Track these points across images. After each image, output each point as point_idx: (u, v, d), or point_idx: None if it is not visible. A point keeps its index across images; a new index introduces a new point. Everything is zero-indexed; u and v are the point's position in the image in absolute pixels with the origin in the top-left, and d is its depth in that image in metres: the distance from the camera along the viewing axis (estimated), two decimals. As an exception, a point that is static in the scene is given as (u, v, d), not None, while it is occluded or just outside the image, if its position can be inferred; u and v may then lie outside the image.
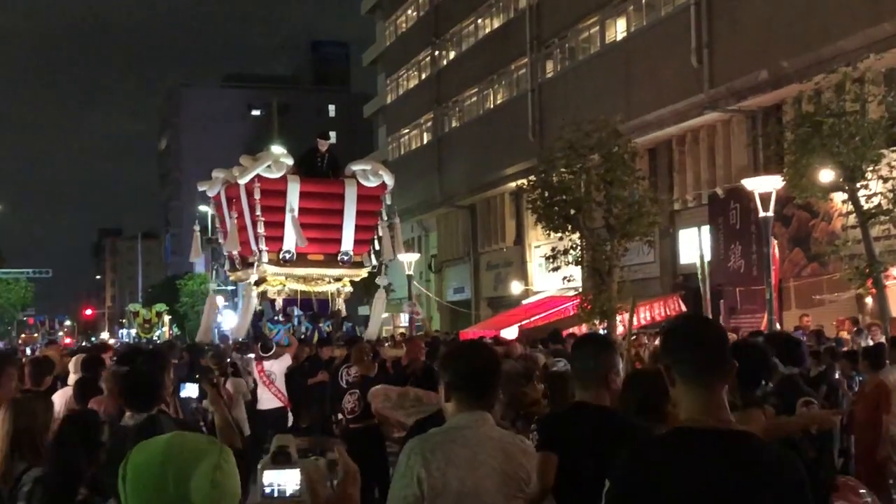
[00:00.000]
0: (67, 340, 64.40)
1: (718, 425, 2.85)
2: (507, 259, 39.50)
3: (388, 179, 22.04)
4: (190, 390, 7.78)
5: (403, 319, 35.84)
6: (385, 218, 22.26)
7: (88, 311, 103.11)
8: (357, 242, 21.71)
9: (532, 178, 24.86)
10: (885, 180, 17.65)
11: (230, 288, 69.72)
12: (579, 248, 23.68)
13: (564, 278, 25.17)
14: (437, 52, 45.92)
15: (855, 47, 20.53)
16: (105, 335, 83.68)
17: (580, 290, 25.27)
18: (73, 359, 9.47)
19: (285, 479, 2.27)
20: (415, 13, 49.30)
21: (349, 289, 22.22)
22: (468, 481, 3.50)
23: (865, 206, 17.68)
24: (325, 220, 21.38)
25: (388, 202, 22.30)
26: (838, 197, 19.38)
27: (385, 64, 54.43)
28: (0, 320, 66.82)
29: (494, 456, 3.60)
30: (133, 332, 61.80)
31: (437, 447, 3.56)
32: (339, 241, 21.51)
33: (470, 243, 42.96)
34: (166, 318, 57.92)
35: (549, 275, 27.56)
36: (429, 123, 46.81)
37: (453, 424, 3.65)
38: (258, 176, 20.48)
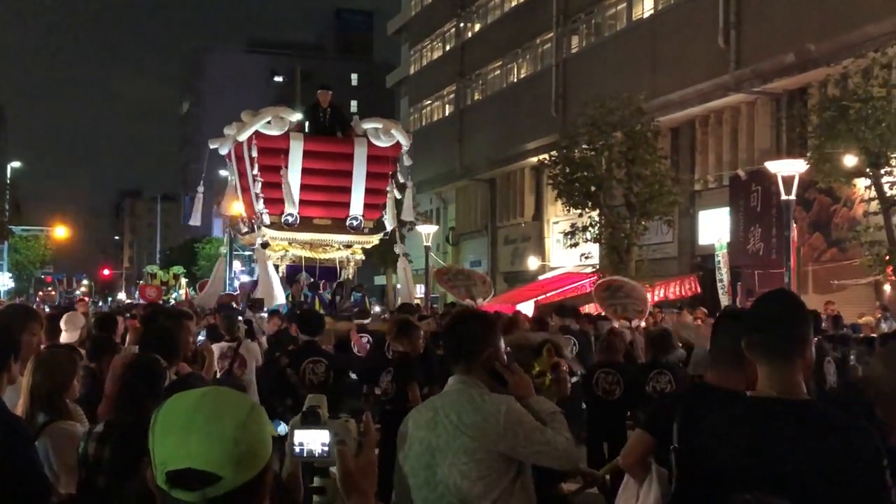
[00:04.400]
0: (83, 298, 64.68)
1: (783, 396, 2.95)
2: (525, 234, 39.47)
3: (403, 139, 20.28)
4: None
5: (420, 290, 35.87)
6: (400, 181, 20.79)
7: (106, 272, 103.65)
8: (367, 207, 20.15)
9: (553, 153, 24.84)
10: (910, 168, 17.57)
11: (247, 253, 70.09)
12: (598, 225, 23.67)
13: (582, 255, 25.21)
14: (461, 24, 45.72)
15: (883, 33, 20.35)
16: (122, 296, 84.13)
17: (597, 267, 25.29)
18: (65, 316, 9.30)
19: (314, 439, 2.28)
20: (441, -17, 49.06)
21: (360, 256, 20.71)
22: None
23: (889, 193, 17.59)
24: (332, 182, 19.82)
25: (406, 163, 20.74)
26: (861, 183, 19.27)
27: (409, 34, 54.25)
28: (18, 277, 67.20)
29: None
30: (153, 293, 62.10)
31: None
32: (347, 206, 19.94)
33: (488, 217, 42.94)
34: (183, 280, 58.09)
35: (566, 251, 27.55)
36: (451, 95, 46.68)
37: None
38: (258, 133, 19.14)
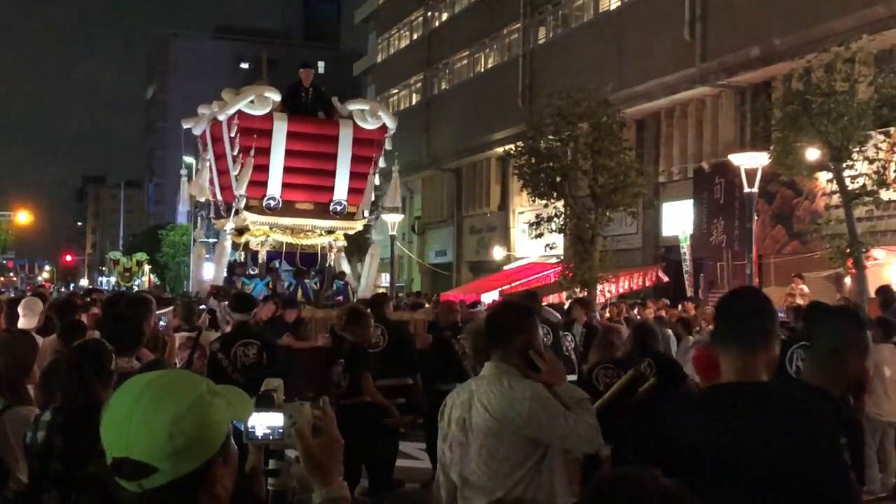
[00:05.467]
0: (44, 284, 64.15)
1: (743, 380, 3.04)
2: (491, 224, 39.54)
3: (390, 122, 19.45)
4: None
5: (384, 279, 35.84)
6: (381, 165, 19.89)
7: (69, 258, 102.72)
8: (351, 191, 19.24)
9: (520, 143, 24.86)
10: (871, 161, 17.74)
11: (212, 240, 69.64)
12: (563, 215, 23.74)
13: (547, 245, 25.26)
14: (429, 13, 45.65)
15: (847, 28, 20.53)
16: (84, 282, 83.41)
17: (562, 257, 25.38)
18: (22, 301, 9.22)
19: (269, 422, 2.28)
20: (409, -27, 48.97)
21: (343, 243, 19.84)
22: None
23: (850, 187, 17.76)
24: (315, 165, 18.91)
25: (389, 147, 19.76)
26: (823, 176, 19.45)
27: (377, 22, 54.11)
28: (-21, 262, 66.45)
29: None
30: (113, 279, 61.67)
31: None
32: (331, 189, 19.01)
33: (454, 206, 42.96)
34: (146, 267, 57.73)
35: (531, 241, 27.64)
36: (418, 85, 46.62)
37: None
38: (240, 112, 18.15)
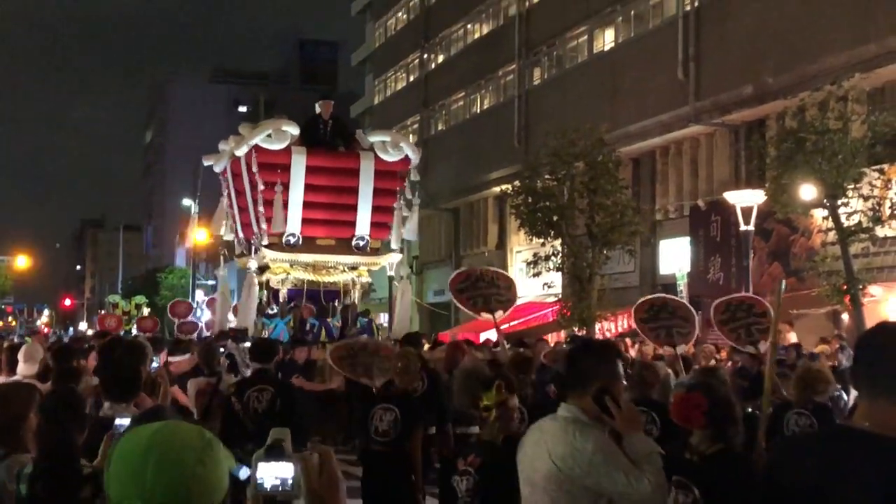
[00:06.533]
0: (45, 330, 64.07)
1: (874, 430, 2.76)
2: (489, 263, 39.40)
3: (412, 153, 18.76)
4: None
5: (383, 319, 35.77)
6: (407, 197, 19.10)
7: (68, 302, 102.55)
8: (374, 226, 18.56)
9: (516, 183, 24.96)
10: (866, 198, 17.80)
11: (210, 282, 69.62)
12: (561, 254, 23.79)
13: (545, 284, 25.30)
14: (425, 55, 45.97)
15: (840, 66, 20.69)
16: (83, 325, 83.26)
17: (560, 296, 25.38)
18: (23, 348, 9.16)
19: (278, 473, 2.26)
20: (405, 16, 49.38)
21: (367, 279, 19.17)
22: None
23: (846, 224, 17.81)
24: (336, 199, 18.27)
25: (413, 178, 19.01)
26: (819, 213, 19.52)
27: (373, 65, 54.47)
28: (-22, 308, 66.43)
29: None
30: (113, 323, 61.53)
31: None
32: (353, 224, 18.28)
33: (452, 246, 43.02)
34: (145, 310, 57.62)
35: (529, 280, 27.65)
36: (415, 126, 46.85)
37: None
38: (257, 147, 17.62)
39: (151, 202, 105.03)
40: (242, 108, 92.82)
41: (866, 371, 2.88)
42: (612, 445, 3.96)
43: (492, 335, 26.80)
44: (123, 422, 4.65)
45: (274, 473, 2.25)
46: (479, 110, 40.89)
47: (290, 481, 2.25)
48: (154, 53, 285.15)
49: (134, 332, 37.58)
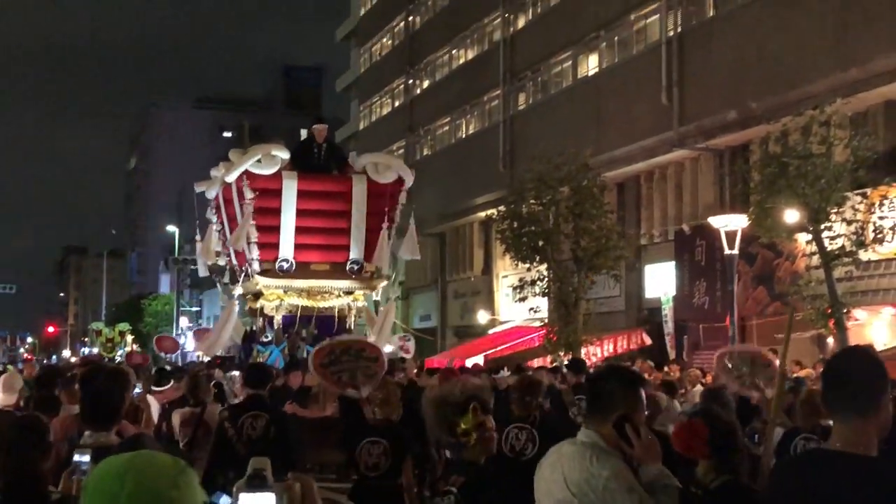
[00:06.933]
0: (27, 357, 63.71)
1: (847, 449, 2.96)
2: (475, 288, 39.55)
3: (405, 175, 18.52)
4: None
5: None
6: (396, 220, 18.77)
7: (51, 329, 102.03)
8: (369, 249, 18.30)
9: (502, 208, 25.02)
10: (849, 223, 17.90)
11: (194, 309, 69.37)
12: (546, 279, 23.82)
13: (531, 309, 25.30)
14: (410, 81, 46.11)
15: (822, 90, 20.84)
16: (67, 353, 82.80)
17: (546, 321, 25.39)
18: (2, 378, 9.03)
19: (259, 502, 2.28)
20: (390, 41, 49.55)
21: (362, 303, 18.80)
22: None
23: (829, 248, 17.88)
24: (329, 224, 18.08)
25: (404, 201, 18.74)
26: (802, 237, 19.59)
27: (358, 90, 54.61)
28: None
29: None
30: (95, 350, 61.24)
31: None
32: (346, 248, 18.06)
33: (438, 271, 42.99)
34: (129, 337, 57.35)
35: (515, 305, 27.67)
36: (401, 151, 46.90)
37: None
38: (248, 172, 17.38)
39: (135, 228, 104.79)
40: (227, 134, 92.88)
41: (838, 393, 3.04)
42: (628, 473, 3.91)
43: (478, 360, 26.79)
44: (83, 458, 4.62)
45: (255, 503, 2.28)
46: (464, 135, 40.99)
47: None
48: (138, 80, 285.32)
49: (118, 359, 37.33)
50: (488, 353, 29.00)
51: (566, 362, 20.39)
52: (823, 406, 3.13)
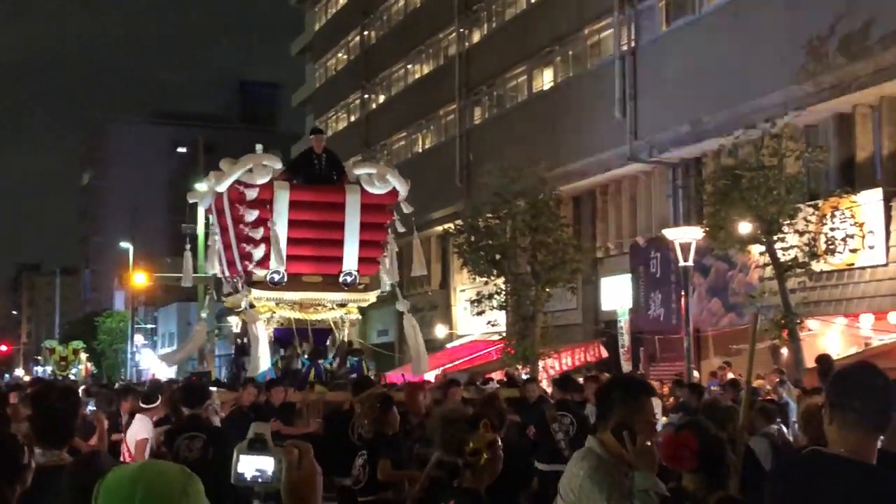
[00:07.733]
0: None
1: (849, 455, 3.03)
2: (432, 302, 39.52)
3: (400, 186, 18.21)
4: None
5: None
6: (396, 231, 18.69)
7: (3, 347, 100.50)
8: (362, 261, 17.98)
9: (459, 222, 25.07)
10: (801, 234, 18.12)
11: (149, 326, 68.62)
12: (504, 292, 23.87)
13: (489, 322, 25.34)
14: (366, 96, 46.12)
15: (773, 104, 21.09)
16: (20, 371, 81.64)
17: (504, 334, 25.43)
18: None
19: (258, 465, 2.39)
20: (345, 56, 49.56)
21: (356, 316, 18.64)
22: None
23: (782, 259, 18.08)
24: (322, 235, 17.68)
25: (406, 211, 18.52)
26: (756, 249, 19.80)
27: (314, 105, 54.51)
28: None
29: None
30: (49, 369, 60.44)
31: None
32: (339, 260, 17.66)
33: (395, 285, 42.84)
34: (83, 355, 56.68)
35: (473, 319, 27.69)
36: (356, 166, 46.88)
37: None
38: (238, 182, 16.94)
39: (88, 245, 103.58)
40: (182, 149, 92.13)
41: (844, 403, 3.10)
42: (611, 477, 3.96)
43: (435, 375, 26.73)
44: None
45: (255, 465, 2.40)
46: (420, 150, 41.06)
47: (269, 472, 2.39)
48: (91, 95, 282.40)
49: (72, 377, 36.90)
50: (446, 367, 28.95)
51: (525, 376, 20.46)
52: (829, 410, 3.13)
